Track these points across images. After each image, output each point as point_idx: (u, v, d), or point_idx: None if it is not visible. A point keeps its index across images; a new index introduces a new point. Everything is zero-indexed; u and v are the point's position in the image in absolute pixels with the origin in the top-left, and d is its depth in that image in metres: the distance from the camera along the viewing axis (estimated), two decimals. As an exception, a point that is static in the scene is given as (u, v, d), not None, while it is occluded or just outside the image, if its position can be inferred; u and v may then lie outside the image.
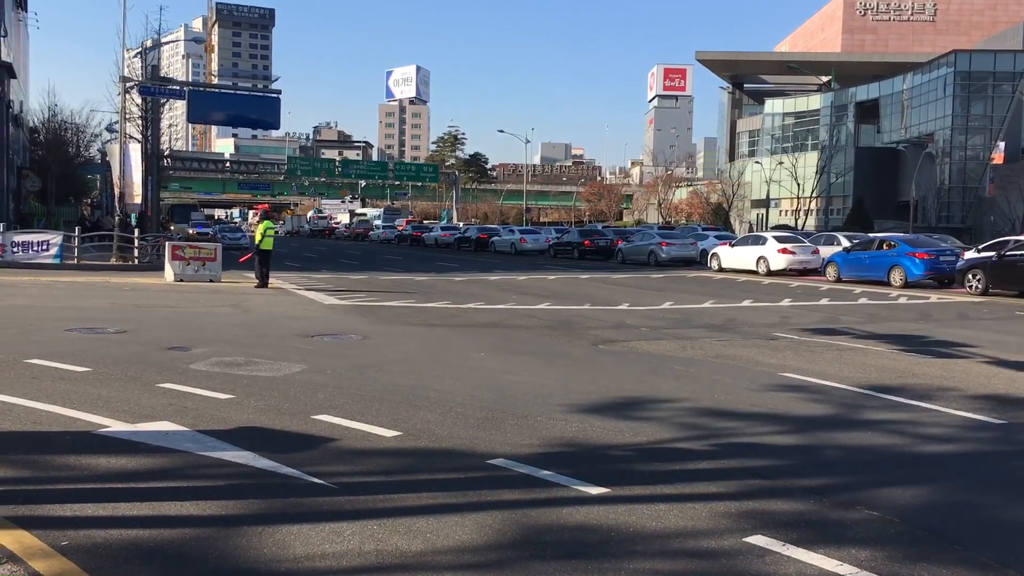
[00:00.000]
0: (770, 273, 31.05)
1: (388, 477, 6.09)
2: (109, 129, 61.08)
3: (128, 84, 33.34)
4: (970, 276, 24.01)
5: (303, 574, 4.40)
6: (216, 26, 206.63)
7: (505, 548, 4.77)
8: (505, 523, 5.13)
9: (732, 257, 33.44)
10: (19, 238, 28.12)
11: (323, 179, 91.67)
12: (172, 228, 60.58)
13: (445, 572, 4.45)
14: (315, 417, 7.57)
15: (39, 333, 12.67)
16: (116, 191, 32.39)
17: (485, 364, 10.97)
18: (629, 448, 6.95)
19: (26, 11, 60.07)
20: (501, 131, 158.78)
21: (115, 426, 7.13)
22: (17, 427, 7.10)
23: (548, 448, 6.80)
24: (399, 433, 7.10)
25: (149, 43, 42.72)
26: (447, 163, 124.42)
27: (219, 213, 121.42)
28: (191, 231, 58.50)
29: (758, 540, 4.90)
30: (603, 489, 5.75)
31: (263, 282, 22.37)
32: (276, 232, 23.68)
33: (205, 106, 39.57)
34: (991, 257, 24.06)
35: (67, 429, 7.04)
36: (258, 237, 22.78)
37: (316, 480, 5.81)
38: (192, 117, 42.36)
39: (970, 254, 26.52)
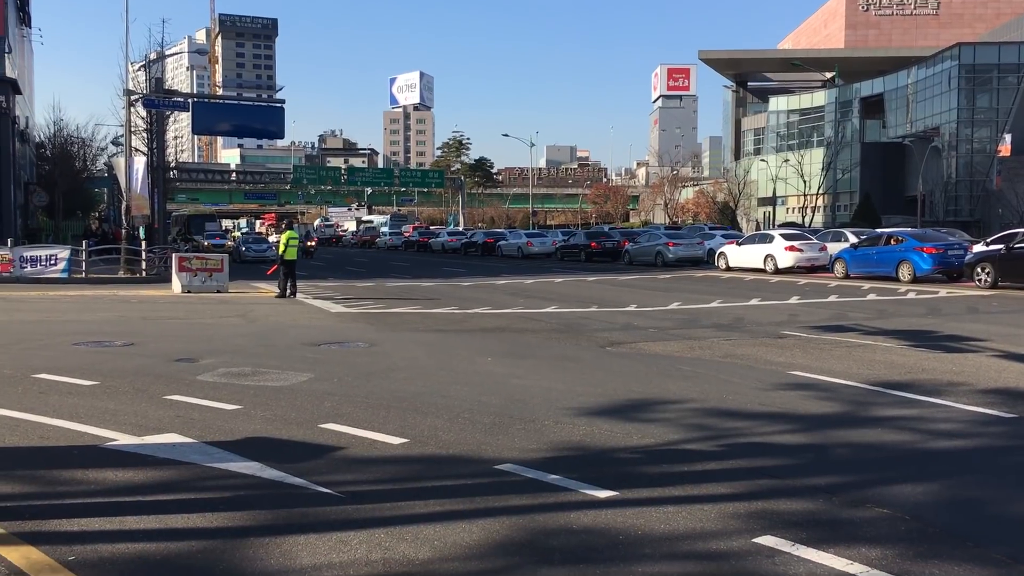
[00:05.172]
0: (778, 271, 30.97)
1: (395, 485, 6.07)
2: (115, 142, 61.24)
3: (133, 97, 33.46)
4: (979, 270, 23.91)
5: (310, 584, 4.38)
6: (219, 37, 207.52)
7: (513, 554, 4.74)
8: (513, 528, 5.10)
9: (739, 256, 33.36)
10: (27, 253, 28.26)
11: (329, 187, 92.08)
12: (192, 239, 57.02)
13: (452, 579, 4.42)
14: (322, 426, 7.56)
15: (47, 348, 12.70)
16: (123, 204, 32.50)
17: (492, 369, 10.94)
18: (637, 450, 6.91)
19: (30, 27, 60.47)
20: (506, 135, 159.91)
21: (122, 439, 7.13)
22: (24, 442, 7.11)
23: (555, 452, 6.77)
24: (406, 440, 7.08)
25: (153, 56, 42.93)
26: (452, 168, 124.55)
27: (226, 223, 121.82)
28: (205, 243, 51.01)
29: (767, 540, 4.86)
30: (611, 492, 5.72)
31: (285, 293, 22.12)
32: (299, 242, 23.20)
33: (210, 117, 39.68)
34: (1000, 250, 23.96)
35: (74, 443, 7.05)
36: (281, 247, 22.68)
37: (323, 489, 5.79)
38: (197, 128, 42.52)
39: (978, 247, 26.38)
